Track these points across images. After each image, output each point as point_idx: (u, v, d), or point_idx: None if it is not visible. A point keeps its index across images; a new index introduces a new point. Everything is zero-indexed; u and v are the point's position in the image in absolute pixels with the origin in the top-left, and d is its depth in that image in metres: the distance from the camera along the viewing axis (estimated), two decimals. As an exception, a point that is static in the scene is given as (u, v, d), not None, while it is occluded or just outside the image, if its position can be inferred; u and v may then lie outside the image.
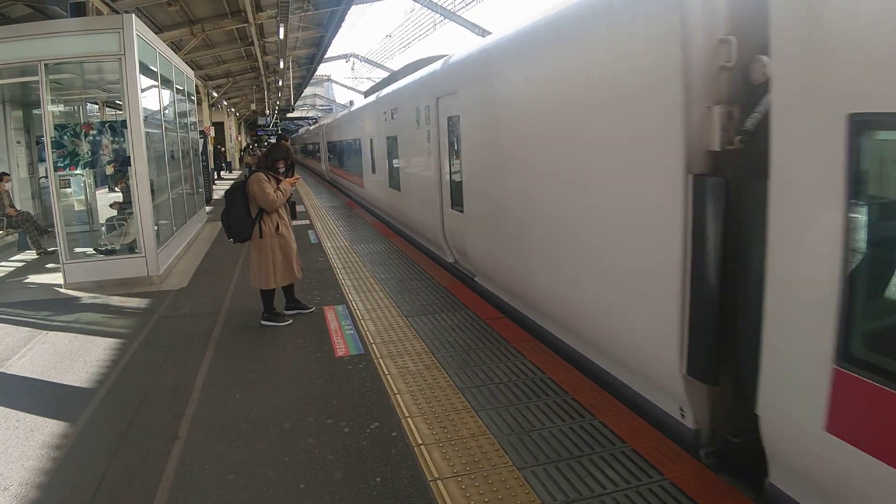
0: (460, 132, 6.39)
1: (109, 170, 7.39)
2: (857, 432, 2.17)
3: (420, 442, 3.25)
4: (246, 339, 5.10)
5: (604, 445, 3.15)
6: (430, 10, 23.12)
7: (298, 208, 11.04)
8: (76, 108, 9.65)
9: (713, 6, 2.88)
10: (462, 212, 6.54)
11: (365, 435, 3.38)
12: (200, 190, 12.74)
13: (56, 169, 6.86)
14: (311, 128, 36.07)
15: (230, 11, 13.64)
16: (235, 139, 35.39)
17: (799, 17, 2.36)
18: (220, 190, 17.50)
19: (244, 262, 7.69)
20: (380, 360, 4.47)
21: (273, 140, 29.63)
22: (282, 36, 14.78)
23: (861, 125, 2.09)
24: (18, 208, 9.08)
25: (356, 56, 41.38)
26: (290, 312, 5.63)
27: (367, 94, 18.15)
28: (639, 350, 3.59)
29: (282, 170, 5.40)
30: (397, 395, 3.84)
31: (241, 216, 5.16)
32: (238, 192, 5.19)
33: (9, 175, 9.44)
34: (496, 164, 5.53)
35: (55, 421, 3.70)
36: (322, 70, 41.32)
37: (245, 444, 3.33)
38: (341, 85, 52.97)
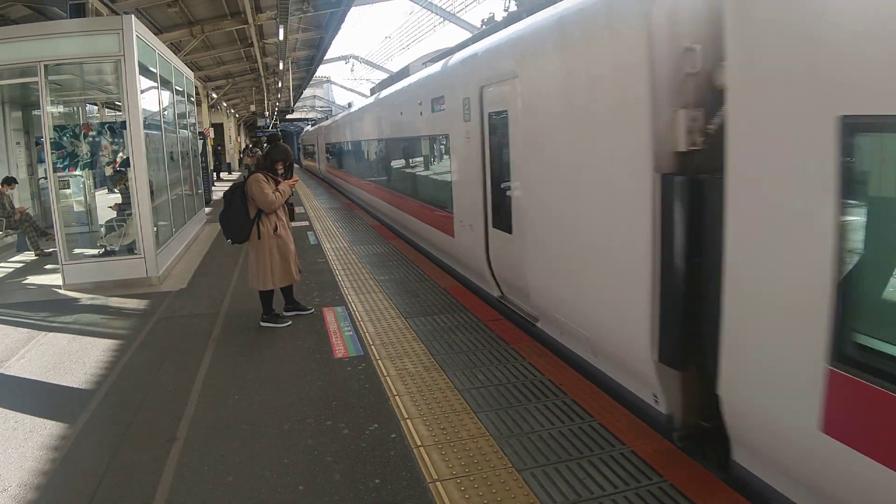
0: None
1: (109, 171, 7.39)
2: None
3: (419, 443, 3.25)
4: (245, 341, 5.10)
5: (603, 447, 3.15)
6: (429, 12, 23.18)
7: (298, 209, 11.04)
8: (76, 109, 9.65)
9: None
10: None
11: (364, 436, 3.38)
12: (200, 191, 12.74)
13: (55, 170, 6.85)
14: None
15: (230, 13, 13.64)
16: (235, 140, 35.39)
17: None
18: (219, 191, 17.49)
19: (243, 263, 7.69)
20: (379, 361, 4.47)
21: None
22: (281, 37, 14.80)
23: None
24: (20, 212, 9.07)
25: (356, 57, 41.47)
26: (289, 314, 5.63)
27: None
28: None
29: (281, 171, 5.40)
30: (396, 397, 3.84)
31: (239, 217, 5.17)
32: (237, 192, 5.20)
33: (16, 182, 9.44)
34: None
35: (54, 422, 3.69)
36: (322, 71, 41.40)
37: (244, 446, 3.33)
38: (341, 86, 53.08)
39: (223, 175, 26.84)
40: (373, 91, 15.28)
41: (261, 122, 40.81)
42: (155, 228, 7.40)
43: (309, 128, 38.83)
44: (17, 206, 9.22)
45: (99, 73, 8.31)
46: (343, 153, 18.73)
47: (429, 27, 26.17)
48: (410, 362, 4.42)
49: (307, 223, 11.84)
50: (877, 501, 2.09)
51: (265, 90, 28.67)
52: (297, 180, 5.73)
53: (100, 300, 6.56)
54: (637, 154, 3.24)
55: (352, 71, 42.72)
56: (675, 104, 3.07)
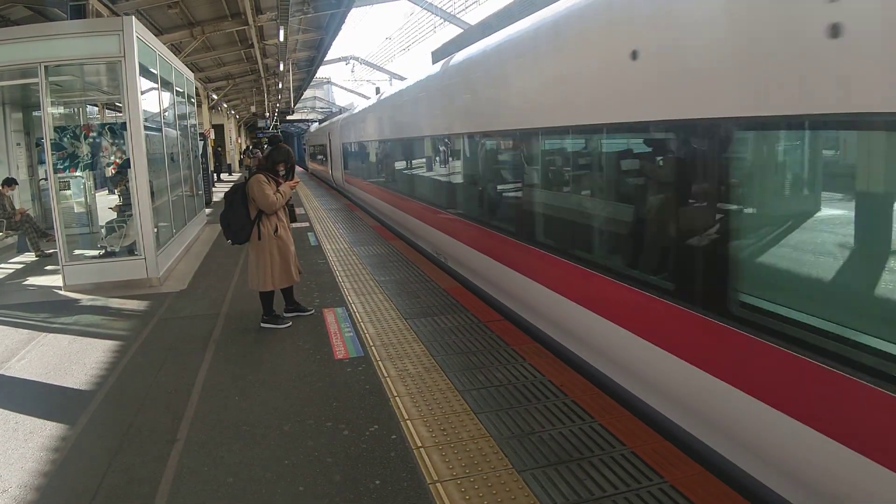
0: None
1: (109, 172, 7.39)
2: None
3: (419, 445, 3.25)
4: (245, 342, 5.10)
5: (604, 448, 3.15)
6: (429, 13, 23.21)
7: (298, 211, 11.04)
8: (76, 110, 9.66)
9: None
10: None
11: (364, 438, 3.38)
12: (200, 192, 12.75)
13: (56, 171, 6.86)
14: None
15: (230, 14, 13.66)
16: (235, 141, 35.42)
17: None
18: (219, 192, 17.49)
19: (243, 264, 7.69)
20: (379, 362, 4.47)
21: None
22: (282, 38, 14.82)
23: None
24: (20, 213, 9.08)
25: (356, 58, 41.48)
26: (290, 315, 5.63)
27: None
28: None
29: (282, 172, 5.42)
30: (397, 398, 3.84)
31: (240, 218, 5.18)
32: (238, 193, 5.21)
33: (17, 183, 9.45)
34: None
35: (54, 423, 3.69)
36: (322, 72, 41.42)
37: (244, 447, 3.33)
38: (341, 87, 53.16)
39: (223, 176, 26.86)
40: (438, 55, 8.48)
41: (261, 124, 40.83)
42: (155, 229, 7.40)
43: (315, 126, 33.88)
44: (17, 207, 9.23)
45: (99, 74, 8.32)
46: (400, 162, 10.60)
47: (429, 28, 26.21)
48: (411, 363, 4.42)
49: (307, 224, 11.85)
50: None
51: (265, 91, 28.70)
52: (297, 182, 5.74)
53: (100, 301, 6.57)
54: None
55: (352, 72, 42.77)
56: None
